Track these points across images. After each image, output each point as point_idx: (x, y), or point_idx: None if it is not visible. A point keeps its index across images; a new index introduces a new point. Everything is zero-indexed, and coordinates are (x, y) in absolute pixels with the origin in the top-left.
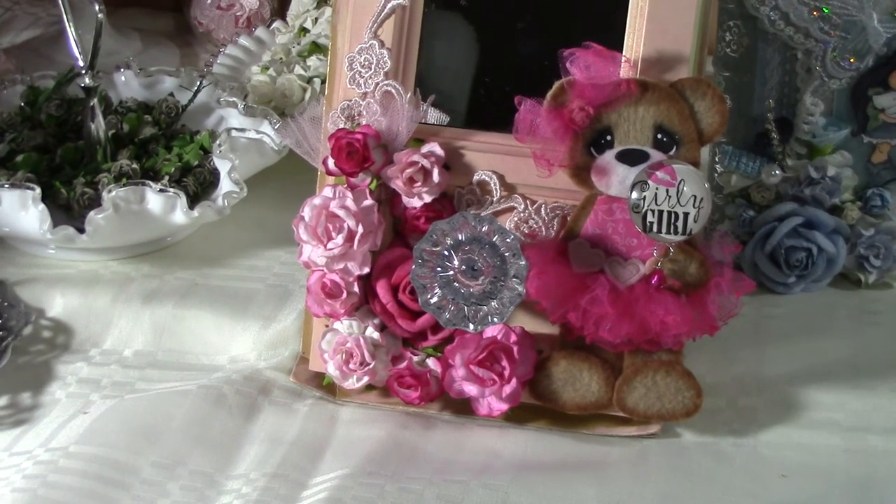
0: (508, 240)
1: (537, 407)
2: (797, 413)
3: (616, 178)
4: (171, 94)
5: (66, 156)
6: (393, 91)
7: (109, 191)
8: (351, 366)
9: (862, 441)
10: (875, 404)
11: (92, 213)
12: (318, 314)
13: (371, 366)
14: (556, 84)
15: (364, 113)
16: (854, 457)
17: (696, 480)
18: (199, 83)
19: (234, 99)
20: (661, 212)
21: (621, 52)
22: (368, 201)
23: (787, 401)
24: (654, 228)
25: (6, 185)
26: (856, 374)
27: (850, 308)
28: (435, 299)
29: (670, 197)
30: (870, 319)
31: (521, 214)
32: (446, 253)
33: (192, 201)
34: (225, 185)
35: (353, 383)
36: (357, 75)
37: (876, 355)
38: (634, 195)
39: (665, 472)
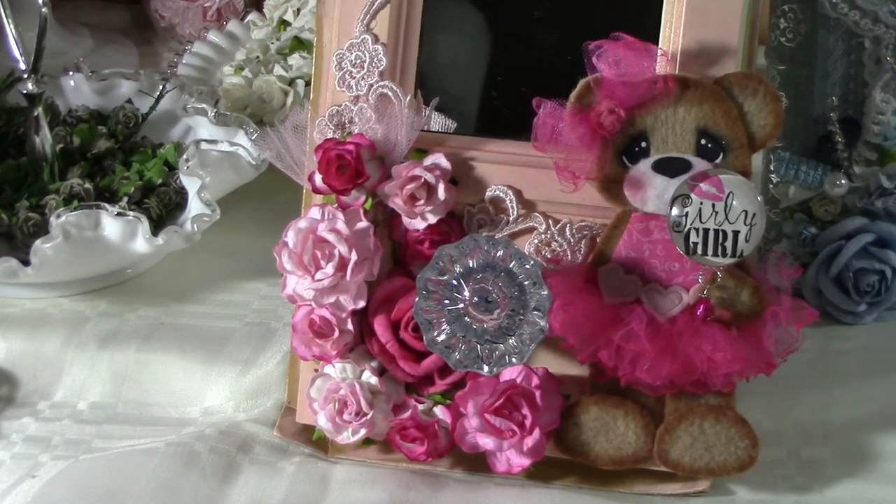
0: (528, 266)
1: (564, 462)
2: (870, 465)
3: (653, 192)
4: (129, 101)
5: (7, 175)
6: (390, 94)
7: (58, 215)
8: (345, 416)
9: None
10: None
11: (38, 242)
12: (305, 357)
13: (369, 416)
14: (581, 83)
15: (356, 120)
16: None
17: None
18: (161, 88)
19: (204, 105)
20: (706, 230)
21: (657, 43)
22: (363, 223)
23: (857, 451)
24: (699, 250)
25: None
26: None
27: None
28: (443, 337)
29: (717, 213)
30: None
31: (543, 236)
32: (455, 283)
33: (156, 226)
34: (194, 206)
35: (347, 437)
36: (347, 76)
37: None
38: (675, 211)
39: None
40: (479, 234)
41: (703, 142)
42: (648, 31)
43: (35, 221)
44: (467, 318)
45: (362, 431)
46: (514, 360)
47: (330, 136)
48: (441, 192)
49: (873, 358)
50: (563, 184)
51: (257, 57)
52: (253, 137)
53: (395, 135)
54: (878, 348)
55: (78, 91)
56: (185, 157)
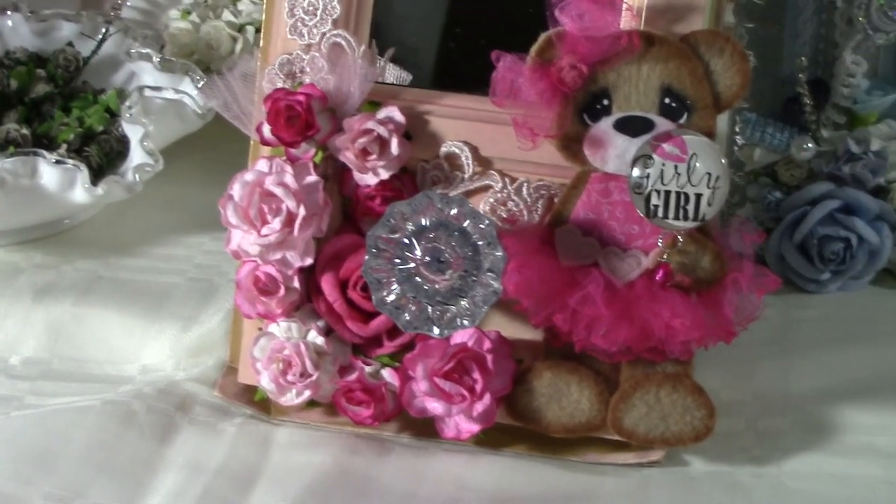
0: (482, 225)
1: (515, 428)
2: (829, 437)
3: (614, 152)
4: (70, 44)
5: None
6: (343, 43)
7: None
8: (289, 377)
9: None
10: None
11: None
12: (249, 315)
13: (314, 378)
14: (543, 36)
15: (308, 70)
16: None
17: None
18: (104, 30)
19: (148, 50)
20: (668, 193)
21: None
22: (312, 177)
23: (817, 422)
24: (660, 213)
25: None
26: None
27: (895, 311)
28: (392, 297)
29: (679, 175)
30: None
31: (499, 195)
32: (406, 241)
33: (96, 176)
34: (136, 155)
35: (291, 398)
36: (299, 23)
37: None
38: (636, 172)
39: None
40: (432, 191)
41: (667, 101)
42: None
43: None
44: (418, 278)
45: (307, 393)
46: (465, 322)
47: (280, 85)
48: (394, 146)
49: (835, 328)
50: (521, 141)
51: (205, 1)
52: (199, 85)
53: (348, 86)
54: (840, 318)
55: (16, 32)
56: (127, 103)
